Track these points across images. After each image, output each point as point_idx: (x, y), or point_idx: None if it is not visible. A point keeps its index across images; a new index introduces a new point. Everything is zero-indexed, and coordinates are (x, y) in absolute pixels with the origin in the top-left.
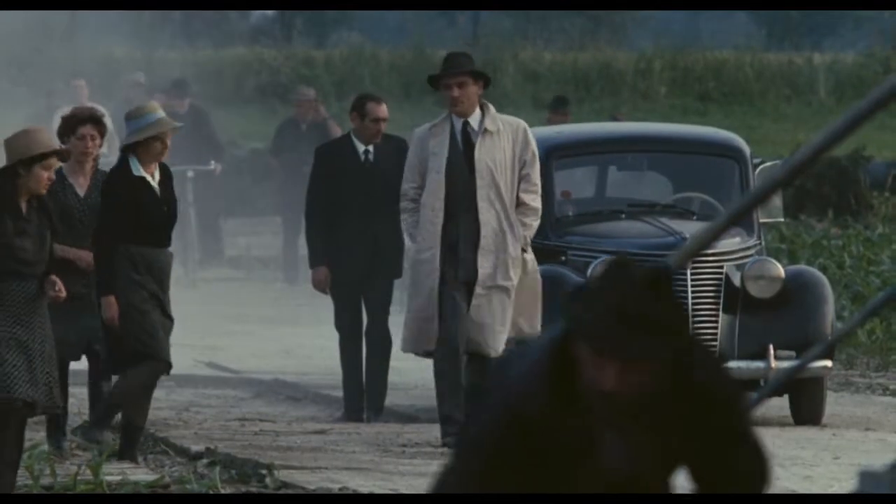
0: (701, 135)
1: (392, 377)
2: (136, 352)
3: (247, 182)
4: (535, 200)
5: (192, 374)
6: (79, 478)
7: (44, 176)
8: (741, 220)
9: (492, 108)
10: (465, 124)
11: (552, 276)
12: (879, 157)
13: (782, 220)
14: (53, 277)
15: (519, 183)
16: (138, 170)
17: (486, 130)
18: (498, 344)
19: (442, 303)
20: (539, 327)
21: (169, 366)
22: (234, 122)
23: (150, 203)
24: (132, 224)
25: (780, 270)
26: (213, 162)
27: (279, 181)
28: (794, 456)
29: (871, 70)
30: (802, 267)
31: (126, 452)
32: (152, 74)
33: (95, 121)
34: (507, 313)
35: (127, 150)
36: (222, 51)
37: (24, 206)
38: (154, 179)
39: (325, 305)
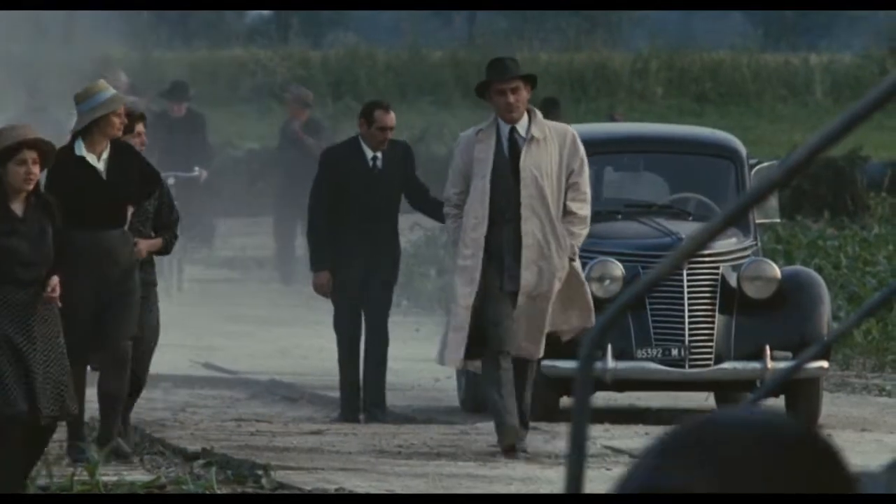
0: (697, 135)
1: (389, 378)
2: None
3: (242, 183)
4: (582, 209)
5: (188, 374)
6: (75, 478)
7: (19, 171)
8: (737, 220)
9: (538, 114)
10: (513, 130)
11: None
12: (876, 158)
13: (778, 220)
14: (53, 278)
15: (566, 191)
16: (80, 150)
17: (532, 137)
18: (537, 351)
19: (485, 311)
20: (594, 319)
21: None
22: (230, 123)
23: (88, 183)
24: (71, 206)
25: (776, 271)
26: (196, 168)
27: (274, 182)
28: None
29: (868, 71)
30: (799, 267)
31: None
32: (150, 74)
33: (127, 116)
34: (547, 319)
35: (77, 133)
36: (218, 51)
37: (20, 206)
38: (100, 159)
39: (321, 306)
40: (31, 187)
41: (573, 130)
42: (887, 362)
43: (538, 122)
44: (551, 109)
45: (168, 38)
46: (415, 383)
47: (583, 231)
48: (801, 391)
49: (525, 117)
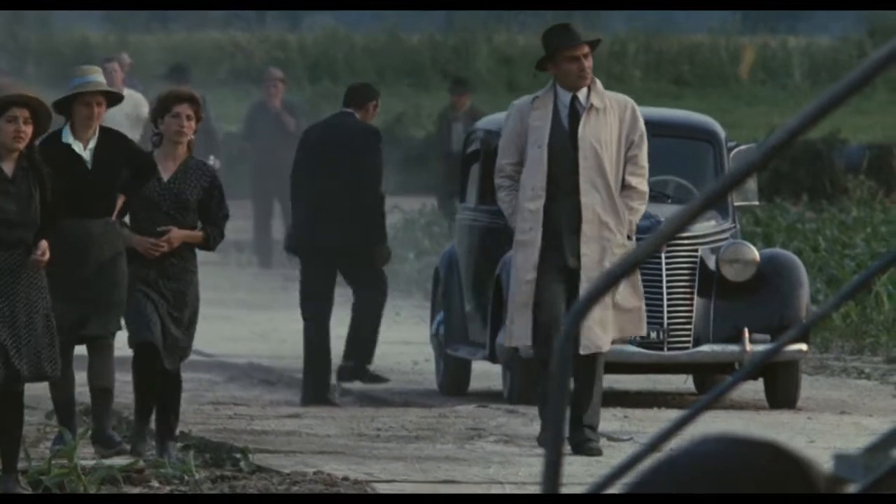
0: (676, 118)
1: None
2: None
3: (220, 166)
4: (642, 184)
5: None
6: (53, 462)
7: (9, 129)
8: (716, 203)
9: (599, 84)
10: (574, 99)
11: None
12: (854, 141)
13: (757, 203)
14: (42, 242)
15: (625, 165)
16: (67, 137)
17: (592, 106)
18: (603, 342)
19: (540, 292)
20: (644, 328)
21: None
22: (208, 106)
23: (72, 171)
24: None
25: (754, 254)
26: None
27: (251, 165)
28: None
29: (846, 54)
30: (777, 250)
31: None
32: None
33: (193, 101)
34: (617, 306)
35: (63, 116)
36: (196, 34)
37: (10, 166)
38: (87, 147)
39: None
40: (20, 146)
41: (633, 102)
42: (866, 345)
43: (598, 92)
44: (459, 89)
45: (146, 21)
46: (393, 366)
47: (641, 207)
48: (780, 374)
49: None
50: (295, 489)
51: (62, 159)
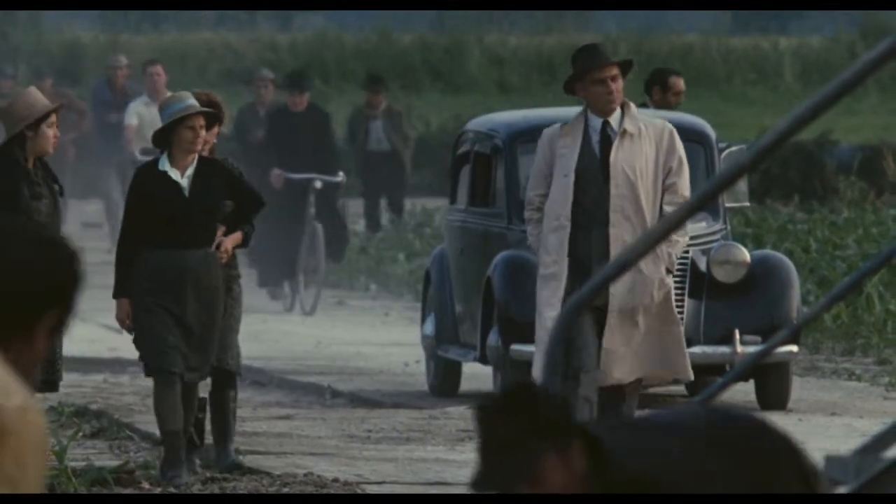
0: (666, 118)
1: (358, 362)
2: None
3: None
4: None
5: None
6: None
7: (50, 133)
8: (707, 204)
9: (633, 107)
10: (605, 124)
11: (517, 261)
12: (846, 142)
13: (748, 204)
14: None
15: (663, 194)
16: (164, 165)
17: (625, 132)
18: (631, 370)
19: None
20: (689, 370)
21: (169, 374)
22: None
23: (168, 200)
24: (151, 224)
25: (745, 255)
26: (340, 173)
27: (241, 166)
28: None
29: (838, 54)
30: (768, 251)
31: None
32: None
33: (214, 107)
34: (648, 335)
35: (161, 146)
36: (187, 35)
37: (33, 171)
38: (184, 175)
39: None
40: (52, 151)
41: (671, 126)
42: (857, 346)
43: (632, 116)
44: (377, 88)
45: (137, 21)
46: (384, 368)
47: (681, 238)
48: (771, 375)
49: (618, 110)
50: (286, 490)
51: (158, 187)
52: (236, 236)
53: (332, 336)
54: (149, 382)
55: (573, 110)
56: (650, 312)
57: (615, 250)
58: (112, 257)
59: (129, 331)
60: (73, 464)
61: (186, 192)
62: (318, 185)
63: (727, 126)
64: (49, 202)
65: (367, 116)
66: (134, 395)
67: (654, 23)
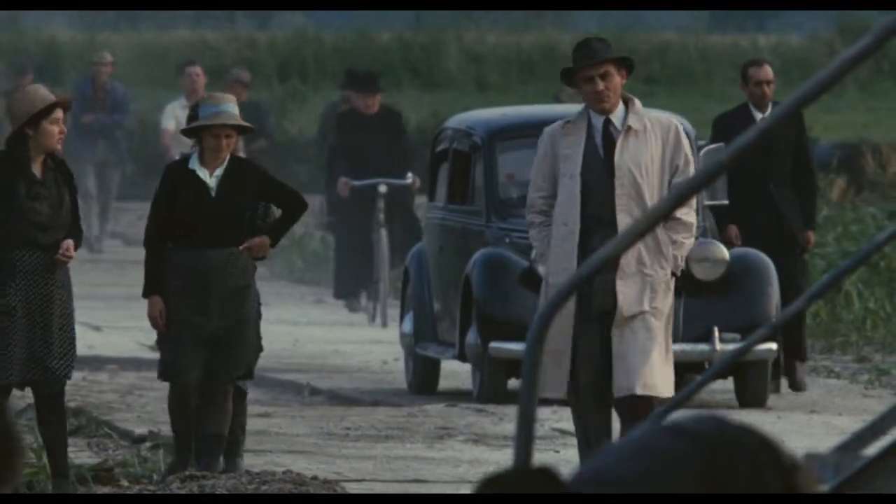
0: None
1: (336, 360)
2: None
3: None
4: (688, 214)
5: (135, 357)
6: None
7: (54, 130)
8: (685, 202)
9: (637, 103)
10: (607, 122)
11: (495, 259)
12: (825, 140)
13: (727, 202)
14: (67, 241)
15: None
16: (193, 163)
17: (629, 129)
18: (647, 381)
19: (574, 339)
20: (671, 386)
21: (183, 386)
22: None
23: (196, 199)
24: (178, 222)
25: (724, 253)
26: (409, 174)
27: None
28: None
29: (817, 52)
30: (747, 249)
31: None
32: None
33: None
34: (659, 344)
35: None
36: (166, 34)
37: (39, 169)
38: (212, 174)
39: (266, 288)
40: (59, 146)
41: (678, 122)
42: (836, 344)
43: (637, 112)
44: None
45: (115, 19)
46: (362, 365)
47: (687, 240)
48: (750, 373)
49: (621, 107)
50: (264, 489)
51: (185, 185)
52: (262, 240)
53: (310, 334)
54: (127, 380)
55: (552, 108)
56: (659, 312)
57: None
58: (90, 255)
59: (161, 329)
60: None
61: (213, 193)
62: (384, 189)
63: (706, 124)
64: (52, 203)
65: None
66: (112, 392)
67: (632, 21)
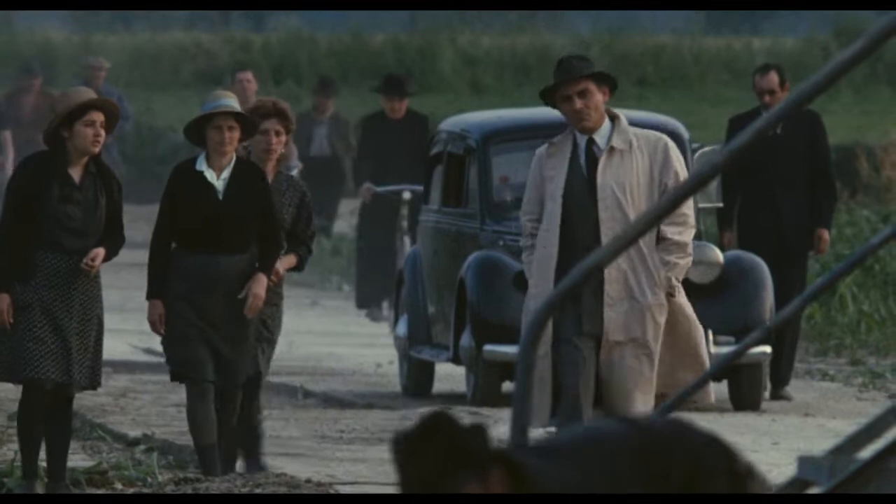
0: (639, 119)
1: (330, 363)
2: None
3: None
4: (681, 234)
5: (128, 359)
6: (16, 464)
7: (89, 133)
8: (680, 205)
9: (623, 120)
10: (590, 142)
11: (489, 262)
12: None
13: (721, 205)
14: (96, 249)
15: None
16: (201, 165)
17: (612, 148)
18: (635, 407)
19: (560, 361)
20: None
21: (202, 384)
22: (171, 108)
23: (202, 201)
24: (185, 225)
25: (718, 256)
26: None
27: None
28: (733, 442)
29: (811, 55)
30: (741, 252)
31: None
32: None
33: (281, 115)
34: (646, 371)
35: (197, 143)
36: (160, 35)
37: (77, 172)
38: (220, 176)
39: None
40: (97, 150)
41: (666, 138)
42: (830, 347)
43: (622, 131)
44: (327, 93)
45: (109, 21)
46: (356, 368)
47: (681, 261)
48: (744, 376)
49: (607, 125)
50: (258, 491)
51: (193, 187)
52: (289, 260)
53: (304, 336)
54: (121, 383)
55: (547, 111)
56: (662, 344)
57: (609, 277)
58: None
59: (160, 333)
60: (45, 464)
61: (221, 195)
62: (408, 195)
63: (700, 126)
64: (87, 208)
65: (314, 120)
66: (107, 395)
67: (626, 23)
